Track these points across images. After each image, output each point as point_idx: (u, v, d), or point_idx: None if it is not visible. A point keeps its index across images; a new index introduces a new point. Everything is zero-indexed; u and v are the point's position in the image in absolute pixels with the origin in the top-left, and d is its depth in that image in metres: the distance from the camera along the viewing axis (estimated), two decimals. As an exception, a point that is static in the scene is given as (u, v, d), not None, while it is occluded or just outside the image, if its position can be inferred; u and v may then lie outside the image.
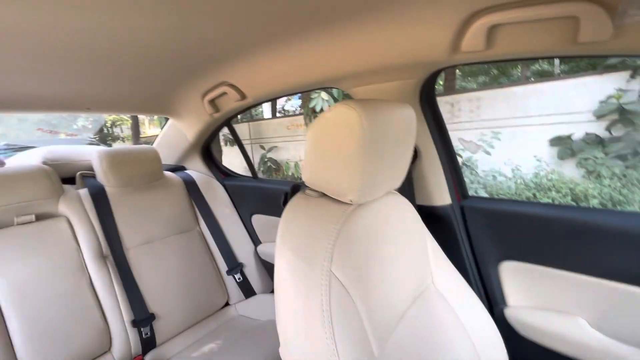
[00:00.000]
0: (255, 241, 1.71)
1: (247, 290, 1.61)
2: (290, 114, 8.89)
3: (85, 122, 8.45)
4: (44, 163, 1.36)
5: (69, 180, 1.42)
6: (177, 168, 1.83)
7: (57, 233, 1.21)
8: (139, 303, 1.27)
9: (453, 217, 1.03)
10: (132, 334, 1.22)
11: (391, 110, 0.65)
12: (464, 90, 7.16)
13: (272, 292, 1.67)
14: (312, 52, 0.96)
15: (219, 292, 1.53)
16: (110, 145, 8.65)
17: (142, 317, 1.25)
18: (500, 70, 10.14)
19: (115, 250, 1.30)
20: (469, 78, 11.54)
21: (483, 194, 4.56)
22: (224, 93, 1.28)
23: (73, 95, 1.23)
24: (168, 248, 1.45)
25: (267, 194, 1.58)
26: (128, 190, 1.44)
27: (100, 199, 1.35)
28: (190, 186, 1.68)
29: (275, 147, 7.34)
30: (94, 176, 1.44)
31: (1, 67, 0.90)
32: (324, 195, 0.70)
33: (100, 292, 1.21)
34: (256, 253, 1.68)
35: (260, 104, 1.34)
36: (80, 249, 1.23)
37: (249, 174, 1.85)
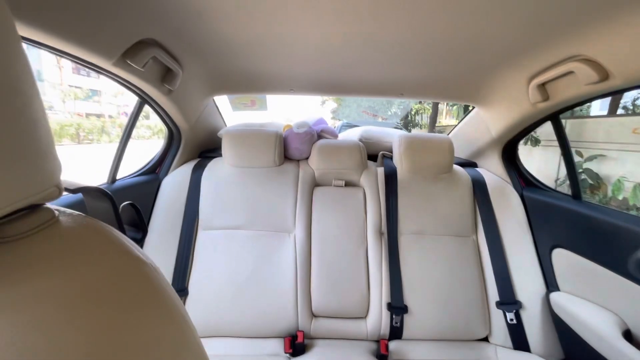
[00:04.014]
0: (550, 283, 1.22)
1: (519, 340, 1.21)
2: (647, 111, 5.94)
3: (397, 109, 10.16)
4: (360, 140, 1.62)
5: (372, 157, 1.62)
6: (467, 163, 1.64)
7: (355, 201, 1.41)
8: (397, 290, 1.27)
9: None
10: (385, 316, 1.24)
11: None
12: None
13: (557, 362, 1.18)
14: None
15: (479, 321, 1.26)
16: (409, 131, 9.94)
17: (397, 305, 1.24)
18: None
19: (391, 231, 1.35)
20: None
21: None
22: (569, 73, 0.90)
23: (390, 81, 1.33)
24: (438, 247, 1.34)
25: (595, 226, 1.04)
26: (416, 178, 1.43)
27: (391, 180, 1.43)
28: (478, 187, 1.44)
29: (602, 155, 5.24)
30: (391, 157, 1.56)
31: (344, 57, 1.08)
32: None
33: (371, 264, 1.31)
34: (547, 300, 1.20)
35: (635, 88, 0.83)
36: (366, 221, 1.37)
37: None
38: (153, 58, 0.90)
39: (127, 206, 0.40)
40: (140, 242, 0.39)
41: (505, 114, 1.29)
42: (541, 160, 5.90)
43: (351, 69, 1.21)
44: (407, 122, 10.59)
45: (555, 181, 5.61)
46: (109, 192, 0.35)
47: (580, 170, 5.20)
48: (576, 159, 5.25)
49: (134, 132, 1.22)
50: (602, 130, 5.41)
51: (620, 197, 4.54)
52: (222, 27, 0.89)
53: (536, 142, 5.73)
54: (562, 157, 1.26)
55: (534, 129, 1.33)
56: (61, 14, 0.62)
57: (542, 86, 1.04)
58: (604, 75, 0.82)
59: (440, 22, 0.78)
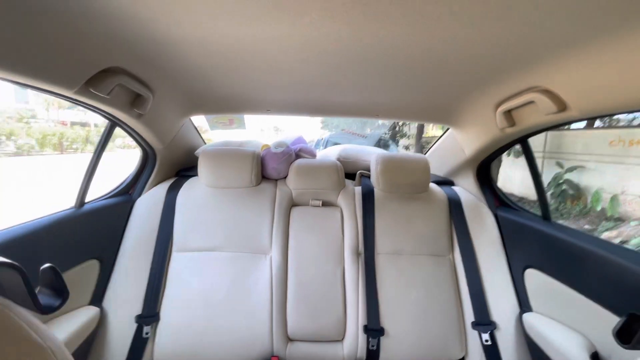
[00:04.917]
0: (523, 304, 1.24)
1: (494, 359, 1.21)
2: (622, 124, 6.16)
3: (384, 120, 10.30)
4: (338, 159, 1.63)
5: (352, 176, 1.63)
6: (444, 182, 1.66)
7: (332, 220, 1.41)
8: (374, 311, 1.26)
9: None
10: (362, 338, 1.23)
11: None
12: None
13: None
14: None
15: (456, 342, 1.25)
16: (397, 141, 10.04)
17: (374, 327, 1.23)
18: None
19: (368, 251, 1.35)
20: None
21: None
22: (530, 102, 0.93)
23: (365, 103, 1.34)
24: (414, 267, 1.34)
25: (563, 248, 1.06)
26: (392, 197, 1.44)
27: (368, 199, 1.44)
28: (454, 206, 1.46)
29: (581, 167, 5.40)
30: (369, 176, 1.56)
31: (318, 80, 1.09)
32: None
33: (348, 285, 1.30)
34: (520, 321, 1.21)
35: (590, 119, 0.86)
36: (344, 240, 1.37)
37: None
38: (119, 85, 0.89)
39: (46, 269, 0.39)
40: (58, 308, 0.38)
41: (477, 137, 1.32)
42: (525, 171, 6.03)
43: (326, 93, 1.22)
44: (395, 133, 10.70)
45: (537, 192, 5.73)
46: (18, 265, 0.34)
47: (561, 181, 5.33)
48: (557, 170, 5.42)
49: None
50: (581, 142, 5.58)
51: (598, 208, 4.67)
52: (191, 54, 0.88)
53: (518, 153, 5.87)
54: (543, 172, 1.28)
55: (506, 151, 1.36)
56: (12, 49, 0.60)
57: (508, 113, 1.06)
58: (562, 106, 0.84)
59: (412, 49, 0.80)
